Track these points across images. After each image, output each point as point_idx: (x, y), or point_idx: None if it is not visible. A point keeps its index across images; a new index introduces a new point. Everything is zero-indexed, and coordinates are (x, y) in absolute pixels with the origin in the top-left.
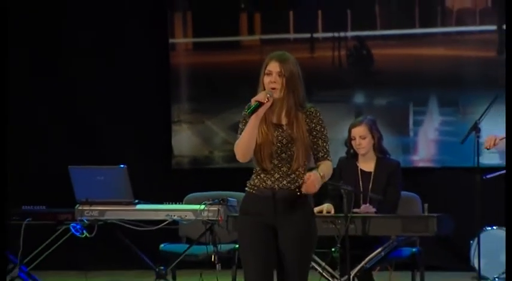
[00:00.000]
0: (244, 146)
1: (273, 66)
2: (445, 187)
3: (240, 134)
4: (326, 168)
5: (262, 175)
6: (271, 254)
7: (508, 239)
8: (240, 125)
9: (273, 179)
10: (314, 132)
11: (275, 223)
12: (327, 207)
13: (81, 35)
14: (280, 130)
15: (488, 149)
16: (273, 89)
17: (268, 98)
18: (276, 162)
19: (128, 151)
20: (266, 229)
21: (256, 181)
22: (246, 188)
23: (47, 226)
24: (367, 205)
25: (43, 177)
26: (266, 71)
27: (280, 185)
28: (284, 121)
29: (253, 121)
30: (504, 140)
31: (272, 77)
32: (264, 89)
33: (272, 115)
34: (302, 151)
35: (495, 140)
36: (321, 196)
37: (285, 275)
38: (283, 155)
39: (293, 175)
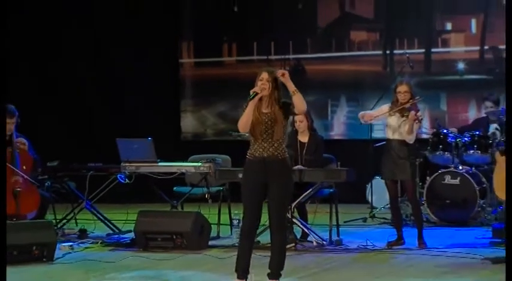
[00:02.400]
0: (243, 121)
1: (265, 75)
2: (351, 151)
3: (244, 110)
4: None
5: (256, 146)
6: (261, 199)
7: (508, 238)
8: (244, 105)
9: (262, 147)
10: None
11: (266, 179)
12: None
13: (127, 62)
14: (267, 115)
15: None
16: (263, 89)
17: (261, 90)
18: (264, 136)
19: (153, 129)
20: (259, 183)
21: (252, 150)
22: (247, 156)
23: (103, 176)
24: (299, 166)
25: (101, 145)
26: (260, 78)
27: (268, 152)
28: (268, 110)
29: (251, 105)
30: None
31: (263, 81)
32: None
33: (261, 106)
34: (279, 128)
35: (373, 115)
36: None
37: (271, 214)
38: (269, 131)
39: (276, 144)
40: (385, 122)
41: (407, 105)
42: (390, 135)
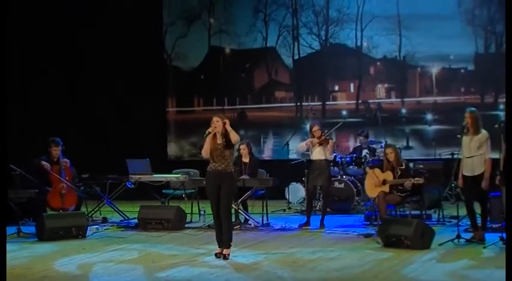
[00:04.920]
0: (205, 150)
1: (215, 118)
2: (275, 167)
3: (203, 145)
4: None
5: (213, 163)
6: (218, 197)
7: (508, 238)
8: (204, 142)
9: (217, 164)
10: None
11: (219, 184)
12: None
13: (136, 110)
14: (219, 145)
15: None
16: (215, 127)
17: (213, 130)
18: (219, 157)
19: (150, 152)
20: (216, 187)
21: (211, 166)
22: (207, 169)
23: (118, 183)
24: (244, 175)
25: (116, 162)
26: (212, 121)
27: (221, 167)
28: (221, 142)
29: (207, 141)
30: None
31: (214, 123)
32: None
33: (216, 140)
34: (228, 153)
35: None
36: None
37: (220, 205)
38: (222, 154)
39: (226, 163)
40: (311, 150)
41: (323, 138)
42: (315, 157)
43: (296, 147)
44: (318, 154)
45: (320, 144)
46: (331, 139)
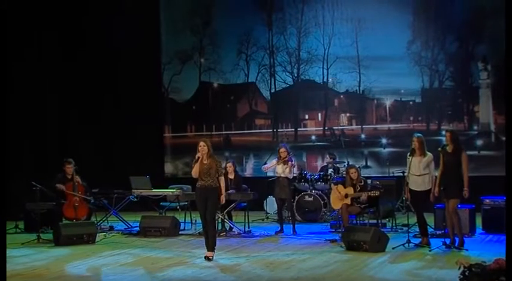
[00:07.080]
0: (194, 172)
1: (201, 143)
2: (255, 183)
3: (193, 166)
4: (222, 183)
5: (201, 180)
6: (205, 208)
7: (508, 239)
8: (192, 164)
9: (204, 181)
10: (217, 166)
11: (206, 197)
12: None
13: (138, 138)
14: (206, 165)
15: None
16: (203, 152)
17: (201, 155)
18: (206, 175)
19: (150, 171)
20: (203, 199)
21: (199, 182)
22: (196, 185)
23: (122, 197)
24: (230, 190)
25: (121, 178)
26: (199, 145)
27: (207, 184)
28: (207, 162)
29: (197, 163)
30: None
31: (201, 147)
32: (199, 151)
33: (203, 160)
34: (213, 172)
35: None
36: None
37: (207, 216)
38: (208, 173)
39: (211, 179)
40: (276, 168)
41: (286, 158)
42: (279, 174)
43: (262, 167)
44: (281, 171)
45: (284, 163)
46: (291, 161)
